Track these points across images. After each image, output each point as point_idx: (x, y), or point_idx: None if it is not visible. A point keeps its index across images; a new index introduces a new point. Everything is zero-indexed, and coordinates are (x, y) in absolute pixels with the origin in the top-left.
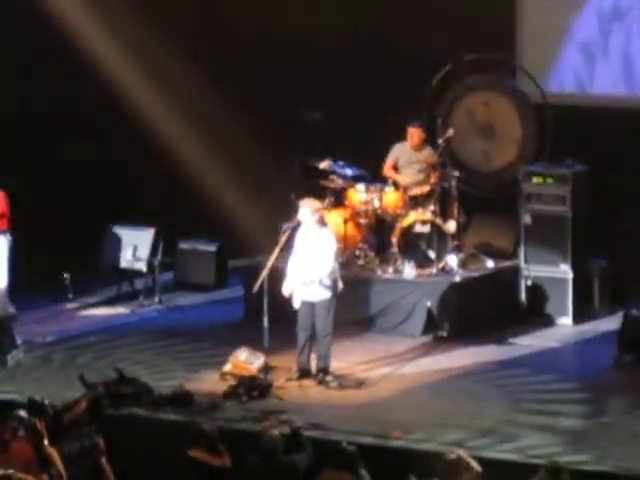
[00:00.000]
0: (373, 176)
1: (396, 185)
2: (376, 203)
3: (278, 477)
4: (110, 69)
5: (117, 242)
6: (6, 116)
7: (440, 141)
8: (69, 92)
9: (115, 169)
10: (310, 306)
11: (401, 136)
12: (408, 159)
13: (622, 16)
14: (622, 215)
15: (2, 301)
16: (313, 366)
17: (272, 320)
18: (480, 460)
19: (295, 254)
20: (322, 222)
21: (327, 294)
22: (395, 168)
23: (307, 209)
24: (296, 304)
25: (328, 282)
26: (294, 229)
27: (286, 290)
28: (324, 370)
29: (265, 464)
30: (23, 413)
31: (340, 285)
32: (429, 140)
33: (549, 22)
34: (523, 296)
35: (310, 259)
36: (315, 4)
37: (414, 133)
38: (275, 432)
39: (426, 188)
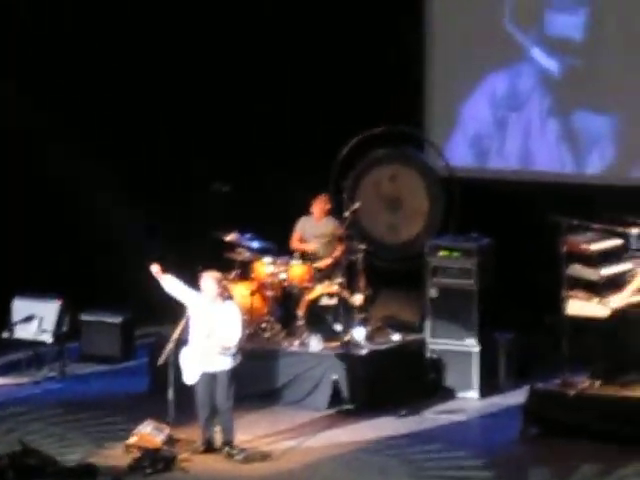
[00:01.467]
0: (280, 249)
1: (304, 258)
2: (283, 276)
3: None
4: None
5: (21, 313)
6: None
7: (347, 213)
8: None
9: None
10: (210, 378)
11: (308, 209)
12: (313, 232)
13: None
14: (526, 289)
15: None
16: (218, 439)
17: (178, 392)
18: None
19: (193, 326)
20: (225, 294)
21: (229, 364)
22: (302, 241)
23: (210, 281)
24: (190, 379)
25: (230, 352)
26: (197, 298)
27: (182, 364)
28: (229, 443)
29: None
30: None
31: (239, 357)
32: (336, 212)
33: (455, 97)
34: (429, 370)
35: (212, 331)
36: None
37: (318, 204)
38: None
39: (331, 261)
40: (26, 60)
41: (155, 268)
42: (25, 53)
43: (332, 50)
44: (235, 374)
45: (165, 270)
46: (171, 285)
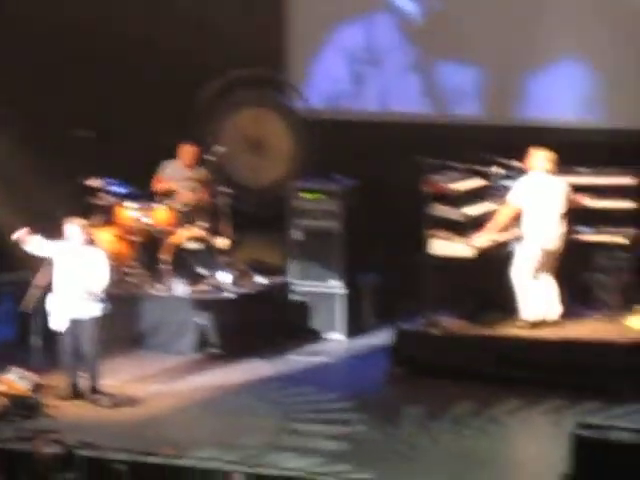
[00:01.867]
0: (144, 194)
1: (168, 201)
2: (147, 220)
3: None
4: None
5: None
6: None
7: (210, 158)
8: None
9: None
10: (76, 324)
11: (172, 153)
12: (179, 177)
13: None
14: (390, 230)
15: None
16: (84, 385)
17: (43, 338)
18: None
19: (59, 272)
20: (90, 240)
21: (95, 311)
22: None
23: (75, 227)
24: (57, 325)
25: (97, 299)
26: (62, 246)
27: (49, 310)
28: (95, 388)
29: None
30: None
31: (106, 303)
32: (200, 157)
33: (317, 40)
34: (295, 312)
35: (78, 277)
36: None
37: (186, 152)
38: (47, 451)
39: (197, 205)
40: None
41: (19, 234)
42: None
43: None
44: (101, 320)
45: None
46: (35, 246)
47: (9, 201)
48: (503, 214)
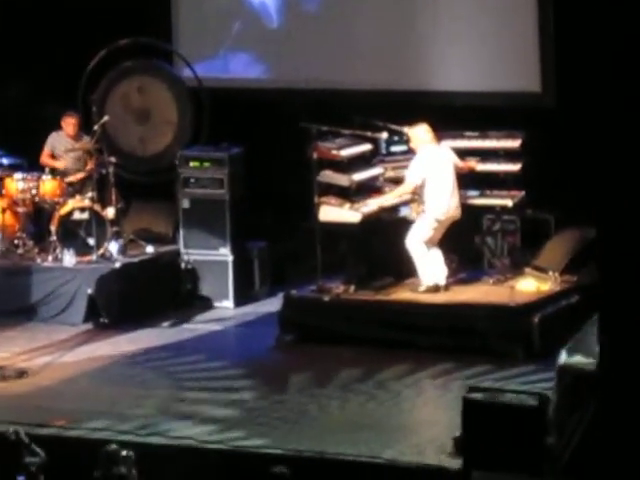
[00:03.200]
0: (30, 165)
1: (54, 173)
2: (34, 192)
3: None
4: None
5: None
6: None
7: (95, 127)
8: None
9: None
10: None
11: (59, 124)
12: (65, 147)
13: None
14: (279, 197)
15: None
16: None
17: None
18: (138, 447)
19: None
20: None
21: None
22: (52, 157)
23: None
24: None
25: None
26: None
27: None
28: None
29: None
30: None
31: None
32: (85, 126)
33: (203, 8)
34: (184, 280)
35: None
36: None
37: (69, 122)
38: None
39: (83, 175)
40: None
41: None
42: None
43: None
44: None
45: None
46: None
47: None
48: (400, 191)
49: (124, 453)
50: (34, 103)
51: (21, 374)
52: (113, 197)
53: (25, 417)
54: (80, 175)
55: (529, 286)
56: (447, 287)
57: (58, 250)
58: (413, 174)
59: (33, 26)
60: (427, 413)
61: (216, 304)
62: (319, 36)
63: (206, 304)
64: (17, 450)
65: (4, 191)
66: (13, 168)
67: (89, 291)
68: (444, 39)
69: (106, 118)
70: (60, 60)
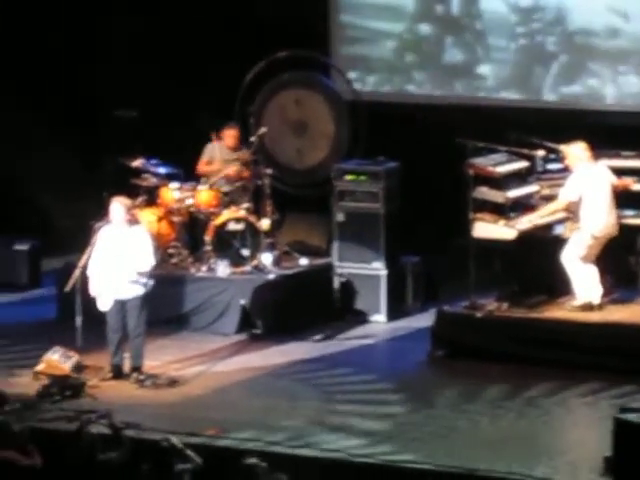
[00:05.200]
0: (187, 175)
1: (210, 184)
2: (189, 201)
3: (96, 475)
4: None
5: None
6: None
7: (253, 138)
8: None
9: None
10: (121, 305)
11: (215, 134)
12: (223, 158)
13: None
14: (433, 212)
15: None
16: (126, 365)
17: (85, 319)
18: (289, 459)
19: (103, 253)
20: (134, 220)
21: (140, 291)
22: (209, 165)
23: (119, 206)
24: (103, 305)
25: (141, 279)
26: (106, 227)
27: (94, 290)
28: (137, 369)
29: (83, 462)
30: None
31: (150, 282)
32: (243, 137)
33: (363, 22)
34: (337, 294)
35: (122, 258)
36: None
37: (230, 134)
38: (93, 430)
39: (240, 186)
40: None
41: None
42: None
43: None
44: (146, 300)
45: None
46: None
47: (54, 184)
48: (553, 207)
49: (259, 464)
50: (190, 114)
51: (173, 383)
52: (268, 209)
53: (176, 426)
54: (237, 186)
55: None
56: (601, 306)
57: (212, 260)
58: (568, 191)
59: (191, 37)
60: (577, 432)
61: (368, 318)
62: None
63: (358, 318)
64: (169, 458)
65: (160, 200)
66: (169, 177)
67: (242, 302)
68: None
69: (264, 130)
70: (216, 72)
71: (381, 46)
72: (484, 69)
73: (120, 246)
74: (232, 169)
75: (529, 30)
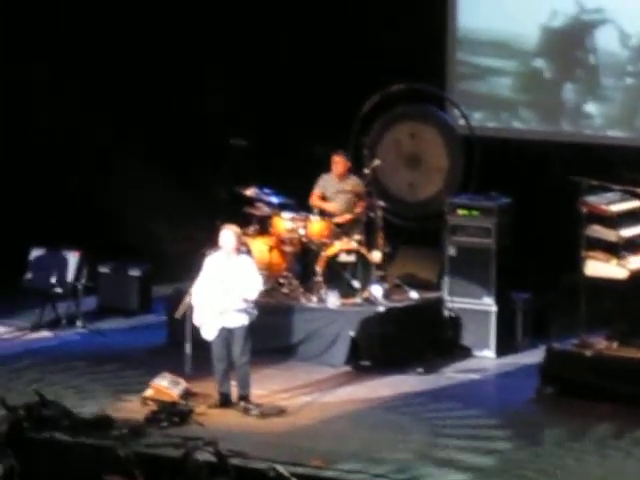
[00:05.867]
0: (299, 205)
1: (322, 214)
2: (301, 231)
3: None
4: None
5: (40, 264)
6: None
7: (367, 170)
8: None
9: (41, 190)
10: (227, 333)
11: (328, 165)
12: (335, 189)
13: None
14: (544, 248)
15: None
16: (234, 393)
17: (194, 346)
18: None
19: (209, 281)
20: (243, 248)
21: (245, 320)
22: (322, 198)
23: (230, 234)
24: (208, 334)
25: (247, 308)
26: (215, 255)
27: (198, 318)
28: (245, 397)
29: None
30: None
31: (255, 312)
32: (356, 169)
33: (478, 58)
34: (446, 328)
35: (229, 286)
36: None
37: (338, 162)
38: (199, 457)
39: (351, 217)
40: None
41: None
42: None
43: (356, 4)
44: (252, 329)
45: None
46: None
47: (167, 211)
48: None
49: None
50: (304, 144)
51: (279, 412)
52: (380, 241)
53: (282, 455)
54: (348, 217)
55: None
56: None
57: (323, 291)
58: None
59: (307, 68)
60: None
61: (476, 353)
62: (580, 89)
63: (466, 352)
64: None
65: (272, 230)
66: (282, 207)
67: (351, 333)
68: None
69: (378, 162)
70: (332, 103)
71: (490, 82)
72: (591, 107)
73: (227, 274)
74: (343, 208)
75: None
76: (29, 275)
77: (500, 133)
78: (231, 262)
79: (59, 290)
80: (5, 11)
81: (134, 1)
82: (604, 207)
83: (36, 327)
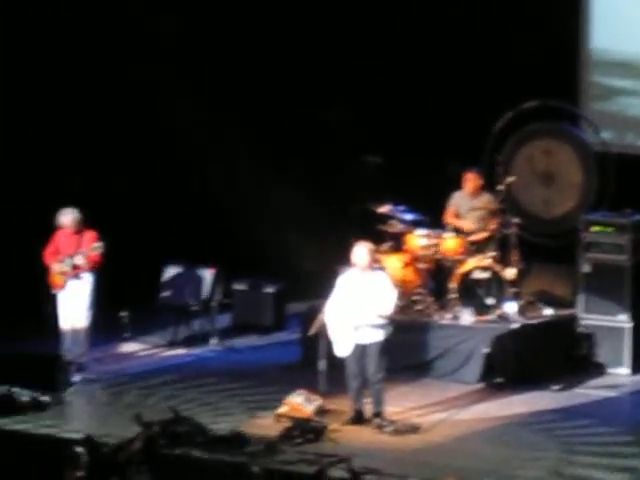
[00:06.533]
0: (433, 222)
1: (456, 231)
2: (435, 249)
3: None
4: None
5: (175, 282)
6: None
7: (501, 187)
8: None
9: (175, 208)
10: (361, 350)
11: (461, 182)
12: (468, 206)
13: None
14: None
15: (80, 342)
16: (368, 410)
17: (328, 363)
18: None
19: (343, 297)
20: (376, 264)
21: (381, 336)
22: (456, 216)
23: (364, 251)
24: (341, 351)
25: (382, 324)
26: (348, 272)
27: (332, 335)
28: (379, 414)
29: None
30: (80, 450)
31: (390, 328)
32: (490, 186)
33: (609, 78)
34: (580, 345)
35: (364, 302)
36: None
37: (470, 179)
38: (333, 474)
39: (485, 234)
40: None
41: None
42: None
43: (488, 22)
44: (386, 345)
45: None
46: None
47: (301, 228)
48: None
49: None
50: (438, 162)
51: (414, 429)
52: (514, 258)
53: (416, 472)
54: (482, 234)
55: None
56: None
57: (457, 308)
58: None
59: (438, 84)
60: None
61: (610, 370)
62: None
63: (600, 370)
64: None
65: (406, 247)
66: (416, 224)
67: (485, 350)
68: None
69: (512, 179)
70: (465, 120)
71: (620, 102)
72: None
73: (362, 290)
74: (477, 225)
75: None
76: (164, 293)
77: (631, 150)
78: (365, 278)
79: (194, 307)
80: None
81: (276, 16)
82: None
83: (171, 344)
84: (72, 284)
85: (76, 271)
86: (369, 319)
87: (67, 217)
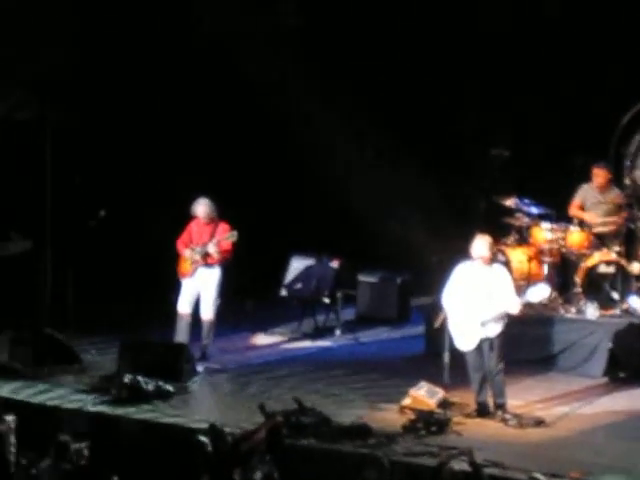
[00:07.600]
0: (558, 215)
1: (582, 225)
2: (561, 242)
3: None
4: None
5: (301, 273)
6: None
7: (627, 181)
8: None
9: (304, 200)
10: (486, 343)
11: (588, 175)
12: (595, 200)
13: None
14: None
15: (206, 332)
16: (491, 403)
17: (452, 356)
18: None
19: (462, 290)
20: (495, 258)
21: (500, 328)
22: (581, 209)
23: (483, 243)
24: (463, 344)
25: (503, 317)
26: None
27: (453, 328)
28: (501, 406)
29: None
30: (204, 439)
31: (505, 321)
32: (616, 179)
33: None
34: None
35: (485, 295)
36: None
37: (599, 174)
38: (455, 466)
39: (611, 228)
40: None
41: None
42: None
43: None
44: (505, 338)
45: None
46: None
47: (426, 221)
48: None
49: None
50: (566, 154)
51: (538, 423)
52: None
53: (539, 466)
54: (608, 228)
55: None
56: None
57: (582, 302)
58: None
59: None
60: None
61: None
62: None
63: None
64: None
65: (531, 240)
66: (541, 218)
67: (610, 345)
68: None
69: (639, 173)
70: (591, 113)
71: None
72: None
73: (484, 285)
74: (618, 221)
75: None
76: (289, 284)
77: None
78: (486, 271)
79: (320, 298)
80: None
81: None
82: None
83: (296, 335)
84: (201, 273)
85: (206, 260)
86: (491, 313)
87: (201, 207)
